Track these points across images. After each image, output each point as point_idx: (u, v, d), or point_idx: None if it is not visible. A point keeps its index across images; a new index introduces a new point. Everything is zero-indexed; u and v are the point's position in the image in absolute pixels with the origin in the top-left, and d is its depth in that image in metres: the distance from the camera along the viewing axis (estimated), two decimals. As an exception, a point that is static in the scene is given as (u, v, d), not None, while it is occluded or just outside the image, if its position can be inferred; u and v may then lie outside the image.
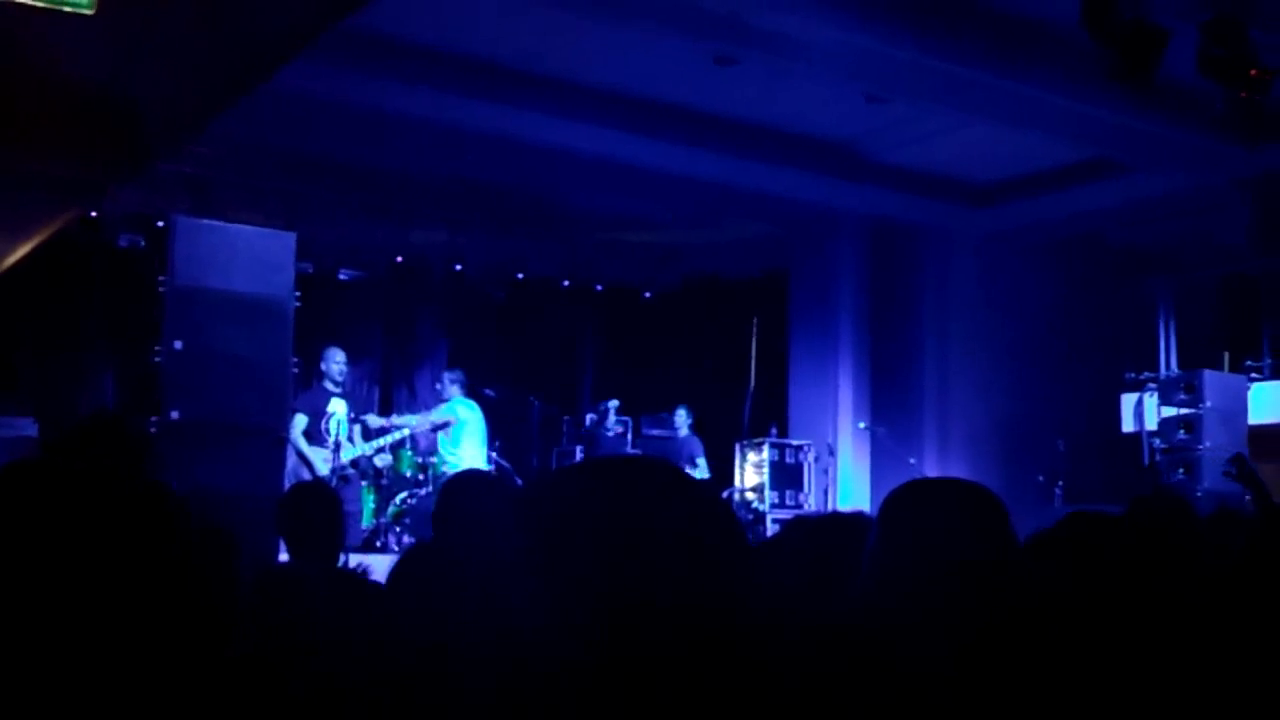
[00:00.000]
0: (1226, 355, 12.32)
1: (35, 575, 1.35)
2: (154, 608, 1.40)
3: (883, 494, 2.25)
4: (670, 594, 1.11)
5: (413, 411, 13.77)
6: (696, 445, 12.71)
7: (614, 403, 12.73)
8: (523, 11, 9.03)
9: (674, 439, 12.63)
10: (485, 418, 11.67)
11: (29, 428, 9.14)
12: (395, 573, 2.72)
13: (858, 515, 3.08)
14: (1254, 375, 11.97)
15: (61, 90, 6.89)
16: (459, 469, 10.43)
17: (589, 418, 13.18)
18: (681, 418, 12.76)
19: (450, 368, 12.10)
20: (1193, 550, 3.17)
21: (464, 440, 11.16)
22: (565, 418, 13.51)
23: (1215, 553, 3.90)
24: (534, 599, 1.13)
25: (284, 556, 8.28)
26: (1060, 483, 11.91)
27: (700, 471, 12.33)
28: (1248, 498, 6.36)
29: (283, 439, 8.08)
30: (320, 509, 4.55)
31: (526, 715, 1.11)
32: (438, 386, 11.41)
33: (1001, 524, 2.08)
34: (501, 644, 1.15)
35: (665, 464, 1.23)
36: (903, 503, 2.16)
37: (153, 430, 7.62)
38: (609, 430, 12.27)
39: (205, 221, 8.32)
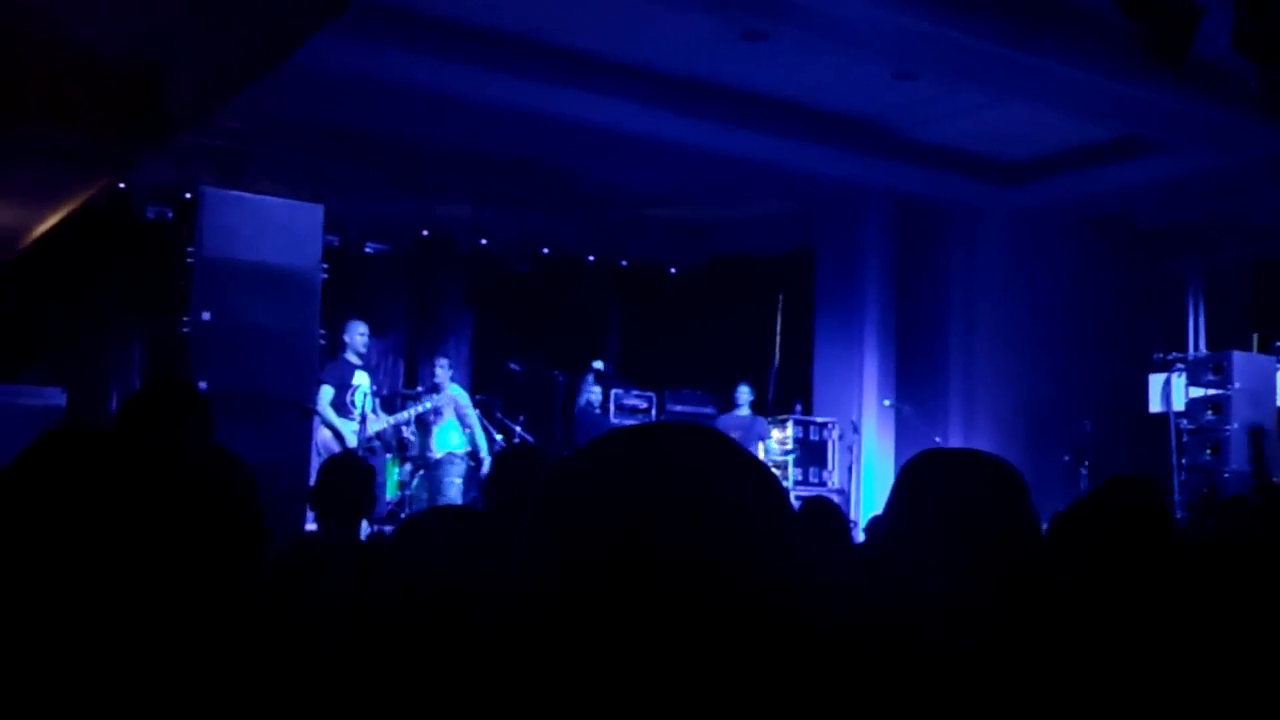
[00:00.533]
0: (1256, 336, 12.22)
1: (77, 561, 1.34)
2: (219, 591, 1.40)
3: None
4: (702, 568, 1.08)
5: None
6: (763, 425, 12.40)
7: (597, 364, 12.34)
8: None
9: (737, 417, 12.14)
10: (509, 391, 11.74)
11: (57, 397, 9.21)
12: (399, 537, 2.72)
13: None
14: (1283, 357, 11.88)
15: (88, 62, 6.90)
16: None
17: (614, 393, 13.18)
18: (744, 395, 12.26)
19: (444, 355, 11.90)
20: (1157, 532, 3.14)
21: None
22: (590, 392, 13.51)
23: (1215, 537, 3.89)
24: (551, 574, 1.11)
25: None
26: (1086, 463, 11.86)
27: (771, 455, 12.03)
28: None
29: (310, 410, 8.11)
30: (352, 481, 4.58)
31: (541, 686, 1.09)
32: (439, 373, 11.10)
33: (1019, 495, 2.07)
34: (518, 613, 1.13)
35: (703, 430, 1.18)
36: (920, 471, 2.15)
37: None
38: (584, 396, 12.02)
39: (233, 193, 8.35)
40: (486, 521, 2.46)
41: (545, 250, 14.91)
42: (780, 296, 14.36)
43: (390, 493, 10.98)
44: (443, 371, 10.92)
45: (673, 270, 16.00)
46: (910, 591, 1.99)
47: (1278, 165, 11.61)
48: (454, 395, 10.84)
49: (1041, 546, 2.17)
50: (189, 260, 7.74)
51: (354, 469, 4.78)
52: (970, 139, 12.25)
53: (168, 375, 8.73)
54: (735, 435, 11.52)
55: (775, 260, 15.21)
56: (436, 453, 10.62)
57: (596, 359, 14.89)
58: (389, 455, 11.00)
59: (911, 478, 2.14)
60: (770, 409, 13.42)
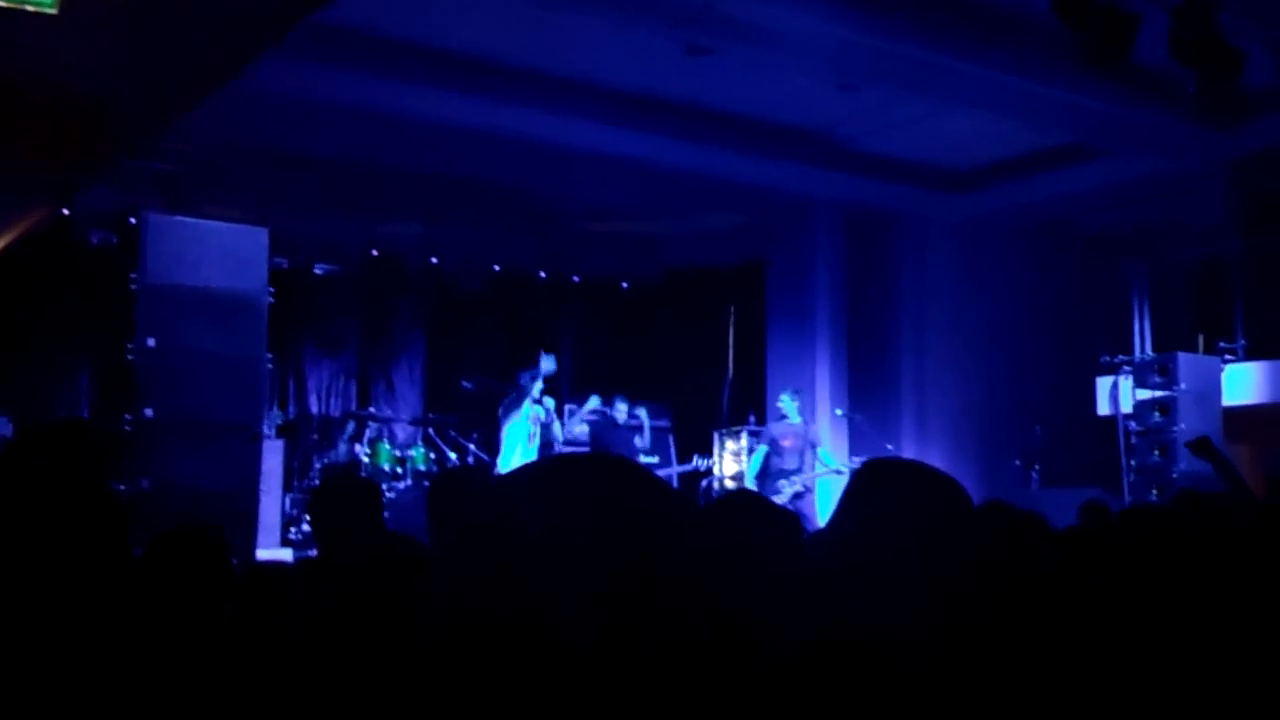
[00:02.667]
0: (1201, 338, 12.38)
1: None
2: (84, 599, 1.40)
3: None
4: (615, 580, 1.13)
5: (390, 405, 13.76)
6: (815, 432, 12.13)
7: (620, 400, 12.32)
8: (494, 4, 9.01)
9: (791, 422, 11.82)
10: (462, 410, 11.71)
11: (3, 426, 9.11)
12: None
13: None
14: (1228, 357, 12.04)
15: (29, 90, 6.84)
16: None
17: (568, 408, 13.16)
18: (787, 403, 11.88)
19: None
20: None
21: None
22: (544, 409, 13.49)
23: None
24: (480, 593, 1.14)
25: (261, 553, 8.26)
26: (1037, 466, 11.96)
27: (827, 462, 11.74)
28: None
29: (258, 435, 8.04)
30: (356, 502, 4.47)
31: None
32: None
33: (959, 505, 2.10)
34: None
35: (615, 459, 1.24)
36: (863, 481, 2.19)
37: (128, 428, 7.58)
38: (621, 422, 12.03)
39: (177, 218, 8.28)
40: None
41: (496, 267, 14.88)
42: (732, 308, 14.43)
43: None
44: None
45: (625, 285, 16.01)
46: (850, 596, 2.02)
47: (1218, 168, 11.78)
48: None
49: (977, 558, 2.19)
50: (132, 287, 7.66)
51: (353, 488, 4.70)
52: (916, 149, 12.35)
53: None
54: (789, 443, 11.45)
55: (726, 272, 15.26)
56: None
57: (556, 375, 14.94)
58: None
59: (855, 487, 2.18)
60: (724, 420, 13.44)
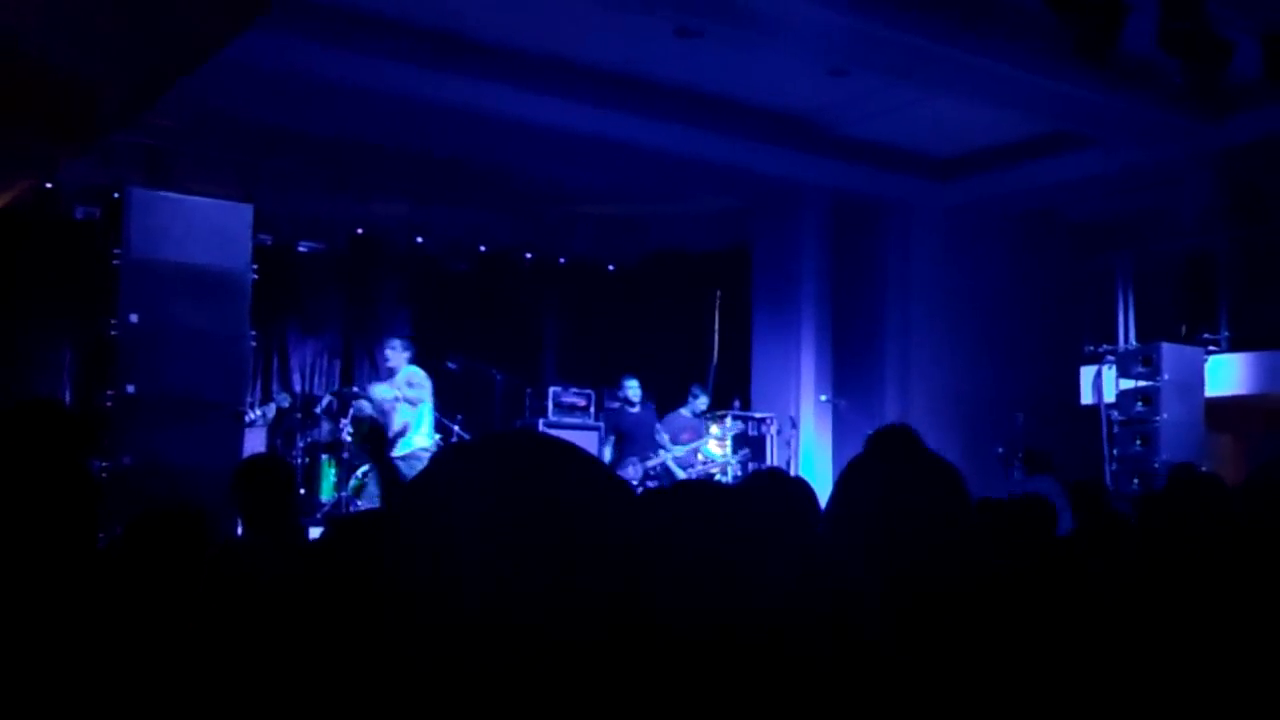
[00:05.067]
0: (1184, 328, 12.41)
1: None
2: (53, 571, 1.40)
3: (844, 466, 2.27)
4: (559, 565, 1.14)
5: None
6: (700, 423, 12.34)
7: (627, 377, 12.28)
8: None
9: (684, 417, 12.09)
10: (447, 390, 11.64)
11: (-17, 402, 9.05)
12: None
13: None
14: (1211, 348, 12.06)
15: (9, 62, 6.78)
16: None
17: (552, 391, 13.13)
18: (700, 398, 12.20)
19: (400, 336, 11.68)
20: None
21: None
22: (528, 390, 13.48)
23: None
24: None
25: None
26: (1019, 454, 11.98)
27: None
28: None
29: (240, 413, 8.01)
30: (273, 483, 4.51)
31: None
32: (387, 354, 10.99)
33: (958, 491, 2.10)
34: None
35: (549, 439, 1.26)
36: (862, 468, 2.18)
37: (109, 404, 7.55)
38: (634, 400, 11.99)
39: (161, 193, 8.22)
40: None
41: (482, 248, 14.85)
42: (718, 293, 14.41)
43: (326, 494, 10.90)
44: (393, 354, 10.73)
45: (611, 267, 15.99)
46: (847, 579, 2.01)
47: (1205, 159, 11.80)
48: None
49: (975, 542, 2.19)
50: (115, 262, 7.61)
51: (274, 470, 4.71)
52: (903, 135, 12.35)
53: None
54: (688, 436, 11.54)
55: (712, 256, 15.25)
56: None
57: (540, 357, 14.91)
58: (324, 456, 10.93)
59: (852, 474, 2.17)
60: (709, 404, 13.44)
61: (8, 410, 3.87)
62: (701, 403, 12.09)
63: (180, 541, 3.85)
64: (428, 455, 10.13)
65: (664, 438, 11.73)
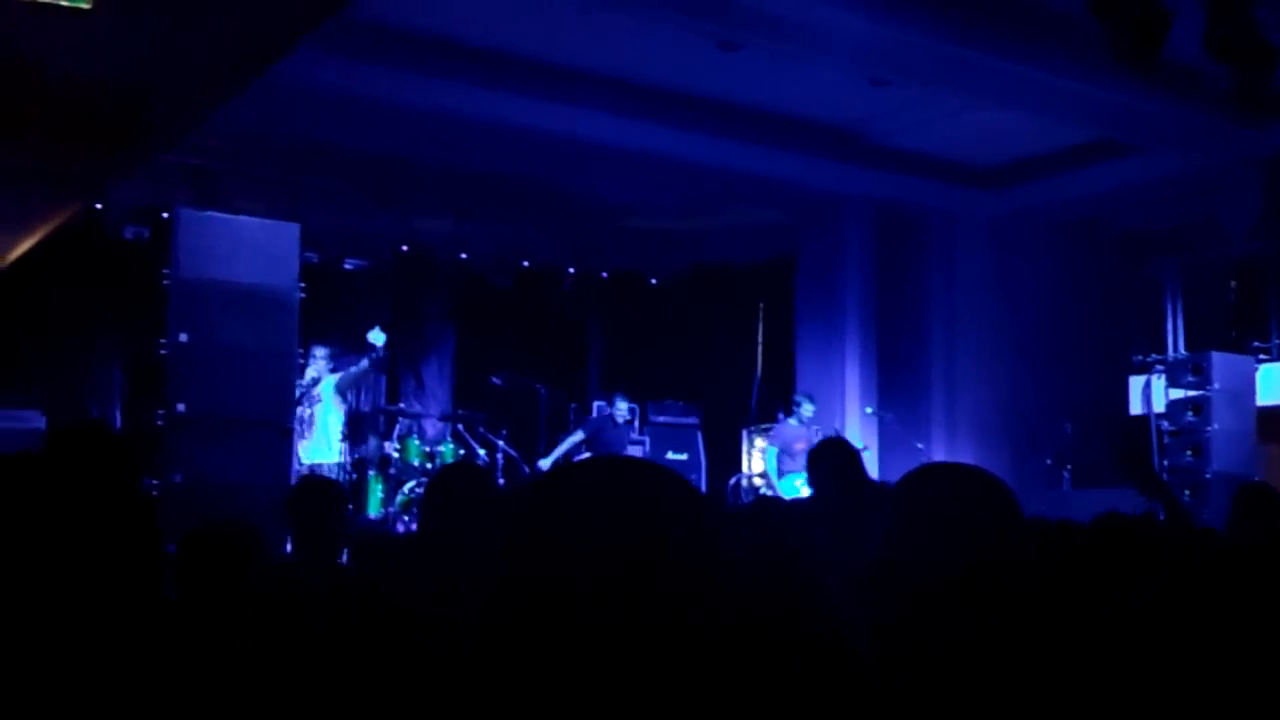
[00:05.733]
0: (1234, 336, 12.28)
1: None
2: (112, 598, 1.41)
3: (890, 479, 2.26)
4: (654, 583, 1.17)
5: (419, 401, 13.81)
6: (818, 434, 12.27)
7: (620, 398, 12.36)
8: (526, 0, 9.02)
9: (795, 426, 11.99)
10: (492, 406, 11.72)
11: (37, 420, 9.18)
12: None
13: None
14: (1262, 356, 11.93)
15: (62, 85, 6.89)
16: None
17: (597, 406, 13.17)
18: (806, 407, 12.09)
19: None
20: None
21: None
22: (572, 405, 13.52)
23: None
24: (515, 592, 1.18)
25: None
26: (1068, 466, 11.89)
27: None
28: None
29: (289, 430, 8.07)
30: (324, 505, 4.54)
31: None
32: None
33: (1012, 510, 2.10)
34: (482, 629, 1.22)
35: (653, 466, 1.29)
36: (917, 486, 2.18)
37: (160, 423, 7.63)
38: (619, 418, 12.12)
39: (209, 213, 8.31)
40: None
41: (525, 263, 14.89)
42: (761, 305, 14.38)
43: (374, 510, 10.95)
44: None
45: (653, 281, 15.99)
46: (909, 603, 2.01)
47: (1252, 165, 11.67)
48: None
49: (1029, 563, 2.18)
50: (165, 282, 7.69)
51: (327, 491, 4.74)
52: (947, 145, 12.29)
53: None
54: (800, 446, 11.49)
55: (756, 269, 15.22)
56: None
57: (583, 371, 14.95)
58: (371, 472, 10.99)
59: (908, 493, 2.17)
60: (753, 418, 13.42)
61: (60, 433, 3.93)
62: (807, 410, 11.95)
63: (234, 557, 3.89)
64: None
65: (773, 451, 11.68)
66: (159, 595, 1.48)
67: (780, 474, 11.47)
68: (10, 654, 1.33)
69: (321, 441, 10.12)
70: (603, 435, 11.87)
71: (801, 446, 11.70)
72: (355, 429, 11.42)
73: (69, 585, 1.37)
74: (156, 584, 1.47)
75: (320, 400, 10.17)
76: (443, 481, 4.45)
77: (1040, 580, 2.32)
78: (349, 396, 10.69)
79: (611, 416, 12.05)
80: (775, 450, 11.68)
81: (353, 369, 10.31)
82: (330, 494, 4.68)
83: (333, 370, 10.39)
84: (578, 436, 11.86)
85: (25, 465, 1.47)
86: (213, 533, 3.86)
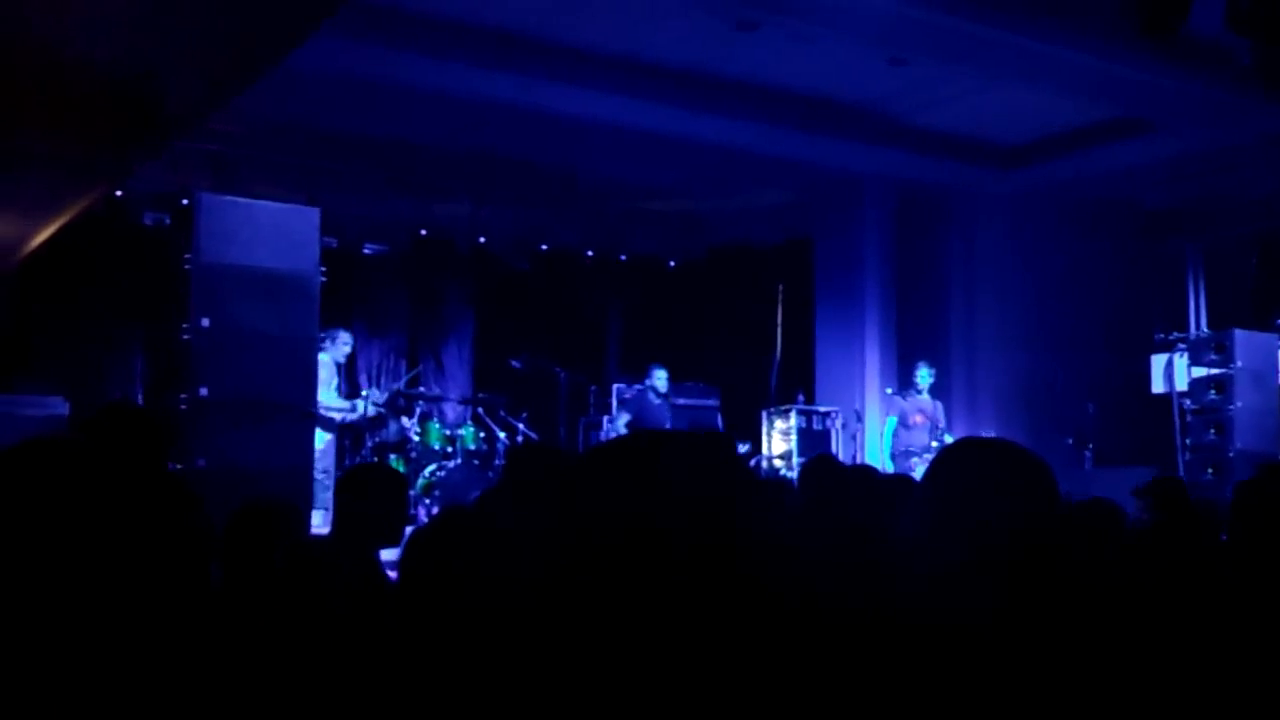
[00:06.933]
0: (1256, 314, 12.20)
1: (45, 550, 1.37)
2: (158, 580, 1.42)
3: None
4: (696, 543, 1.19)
5: (440, 385, 13.83)
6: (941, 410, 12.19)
7: (656, 367, 12.26)
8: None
9: (921, 398, 11.90)
10: (511, 389, 11.75)
11: (60, 406, 9.21)
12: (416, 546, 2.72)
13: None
14: (1286, 334, 11.85)
15: (80, 71, 6.90)
16: None
17: (616, 389, 13.17)
18: (923, 375, 12.01)
19: None
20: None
21: None
22: (592, 387, 13.53)
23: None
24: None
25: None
26: (1090, 445, 11.84)
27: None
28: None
29: (310, 414, 8.09)
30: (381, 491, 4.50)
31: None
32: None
33: (1049, 486, 2.10)
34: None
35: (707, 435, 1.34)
36: (953, 461, 2.17)
37: (183, 408, 7.66)
38: (660, 389, 12.03)
39: (229, 198, 8.31)
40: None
41: (544, 247, 14.91)
42: (780, 286, 14.34)
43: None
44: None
45: (672, 263, 16.00)
46: (945, 578, 2.02)
47: (1275, 141, 11.58)
48: None
49: (1062, 539, 2.18)
50: (186, 267, 7.71)
51: (387, 476, 4.73)
52: (967, 123, 12.23)
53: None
54: (918, 419, 11.46)
55: (774, 250, 15.20)
56: None
57: (603, 354, 14.94)
58: (393, 455, 11.01)
59: (944, 467, 2.16)
60: (773, 399, 13.40)
61: (96, 416, 3.95)
62: (924, 377, 11.85)
63: (278, 534, 3.93)
64: None
65: (892, 421, 11.69)
66: (206, 578, 1.49)
67: (894, 453, 11.51)
68: (59, 633, 1.34)
69: None
70: (645, 413, 11.80)
71: (920, 420, 11.70)
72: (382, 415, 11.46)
73: (116, 571, 1.38)
74: (204, 568, 1.48)
75: None
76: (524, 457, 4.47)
77: (1077, 555, 2.31)
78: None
79: (651, 389, 11.96)
80: (894, 421, 11.69)
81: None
82: (390, 482, 4.66)
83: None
84: (624, 419, 11.82)
85: (64, 450, 1.47)
86: (260, 509, 3.92)
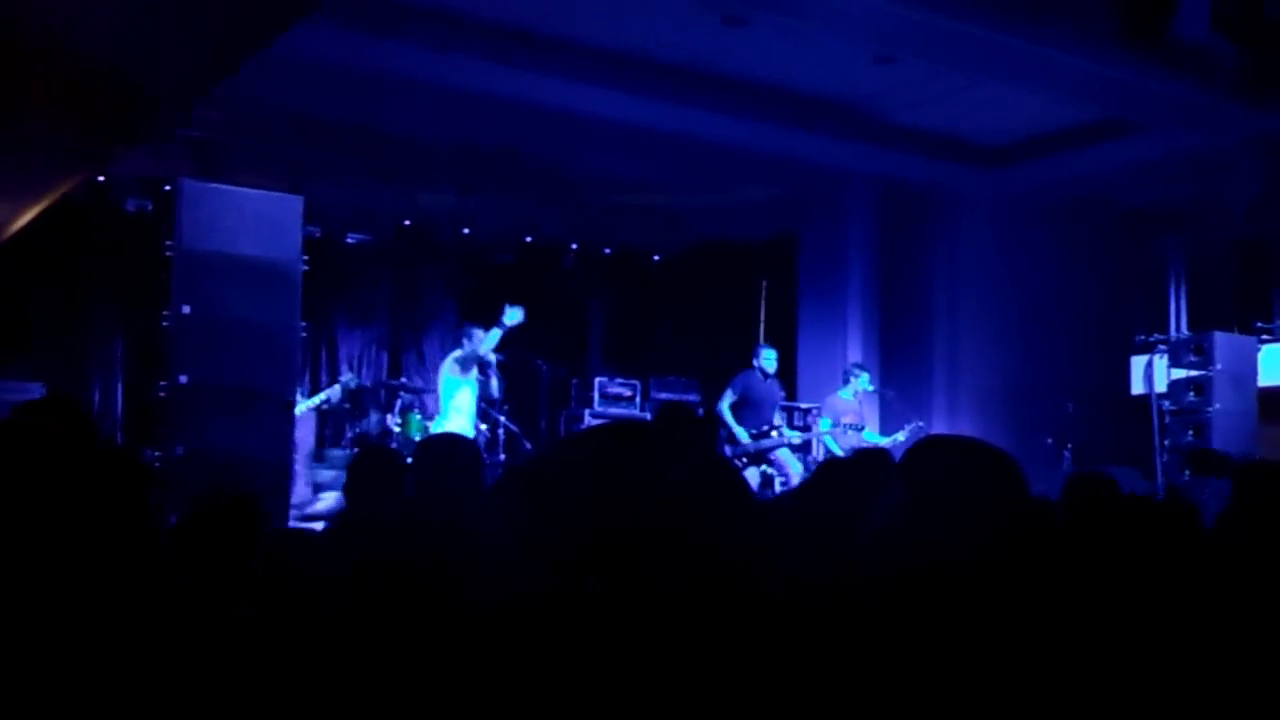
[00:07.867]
0: (1237, 317, 12.27)
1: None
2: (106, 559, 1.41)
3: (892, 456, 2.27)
4: (673, 542, 1.18)
5: (421, 376, 13.79)
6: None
7: (763, 347, 11.92)
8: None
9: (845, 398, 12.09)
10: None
11: (37, 392, 9.16)
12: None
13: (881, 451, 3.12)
14: (1264, 337, 11.92)
15: (65, 56, 6.86)
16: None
17: (599, 382, 13.15)
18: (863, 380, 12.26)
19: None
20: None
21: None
22: (573, 381, 13.52)
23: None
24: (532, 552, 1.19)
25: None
26: (1069, 445, 11.89)
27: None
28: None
29: (290, 403, 8.07)
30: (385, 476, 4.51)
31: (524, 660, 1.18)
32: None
33: (1018, 482, 2.11)
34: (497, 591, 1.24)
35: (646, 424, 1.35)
36: (922, 458, 2.18)
37: (162, 394, 7.63)
38: (768, 369, 11.83)
39: (212, 185, 8.28)
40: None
41: (528, 239, 14.88)
42: (763, 282, 14.34)
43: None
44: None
45: (656, 257, 15.99)
46: (916, 574, 2.02)
47: (1257, 145, 11.64)
48: None
49: (1035, 532, 2.19)
50: (168, 253, 7.68)
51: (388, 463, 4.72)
52: (951, 122, 12.26)
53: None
54: (849, 419, 11.55)
55: (758, 246, 15.20)
56: None
57: (585, 348, 14.90)
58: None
59: (913, 464, 2.17)
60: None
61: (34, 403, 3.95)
62: (862, 382, 11.99)
63: (236, 526, 3.90)
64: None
65: (826, 422, 11.81)
66: (157, 563, 1.48)
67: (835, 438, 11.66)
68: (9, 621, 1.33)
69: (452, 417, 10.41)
70: (751, 391, 11.66)
71: (850, 420, 11.76)
72: (356, 403, 11.43)
73: (64, 553, 1.37)
74: (154, 553, 1.47)
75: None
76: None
77: (1045, 551, 2.32)
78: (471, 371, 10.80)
79: (759, 369, 11.82)
80: (828, 422, 11.77)
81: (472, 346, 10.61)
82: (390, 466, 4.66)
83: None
84: (730, 398, 11.70)
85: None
86: (217, 500, 3.88)
